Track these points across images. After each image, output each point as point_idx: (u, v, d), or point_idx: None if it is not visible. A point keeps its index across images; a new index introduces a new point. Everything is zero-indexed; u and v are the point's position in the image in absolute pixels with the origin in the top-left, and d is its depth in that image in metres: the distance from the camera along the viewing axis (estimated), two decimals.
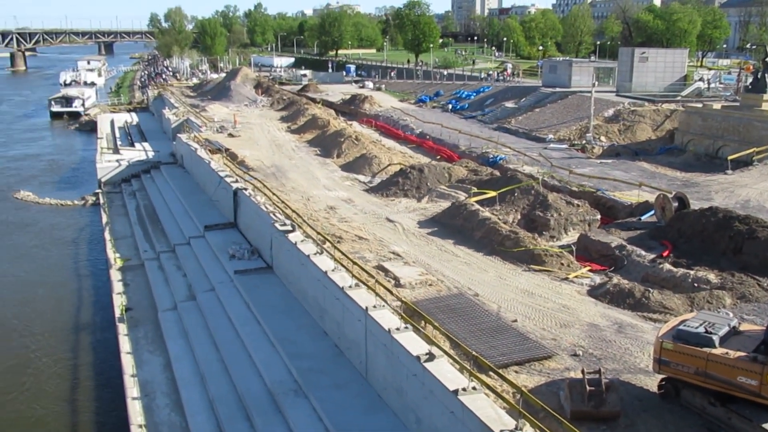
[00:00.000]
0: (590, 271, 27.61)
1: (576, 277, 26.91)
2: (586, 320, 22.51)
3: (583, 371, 17.18)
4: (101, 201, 54.05)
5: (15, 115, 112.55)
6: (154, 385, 25.37)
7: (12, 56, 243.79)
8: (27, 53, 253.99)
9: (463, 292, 24.91)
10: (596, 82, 61.26)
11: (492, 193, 36.51)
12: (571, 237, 32.05)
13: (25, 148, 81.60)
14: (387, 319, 20.67)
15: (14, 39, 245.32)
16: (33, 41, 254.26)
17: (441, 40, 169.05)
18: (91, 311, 35.18)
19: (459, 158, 50.19)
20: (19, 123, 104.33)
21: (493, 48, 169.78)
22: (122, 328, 30.11)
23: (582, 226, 33.14)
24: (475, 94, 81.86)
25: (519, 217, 34.28)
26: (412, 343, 19.01)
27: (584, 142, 53.38)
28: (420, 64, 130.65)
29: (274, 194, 35.94)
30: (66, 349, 31.05)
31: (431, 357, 18.05)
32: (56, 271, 41.18)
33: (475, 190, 38.01)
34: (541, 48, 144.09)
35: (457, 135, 58.21)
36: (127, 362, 26.93)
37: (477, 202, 35.05)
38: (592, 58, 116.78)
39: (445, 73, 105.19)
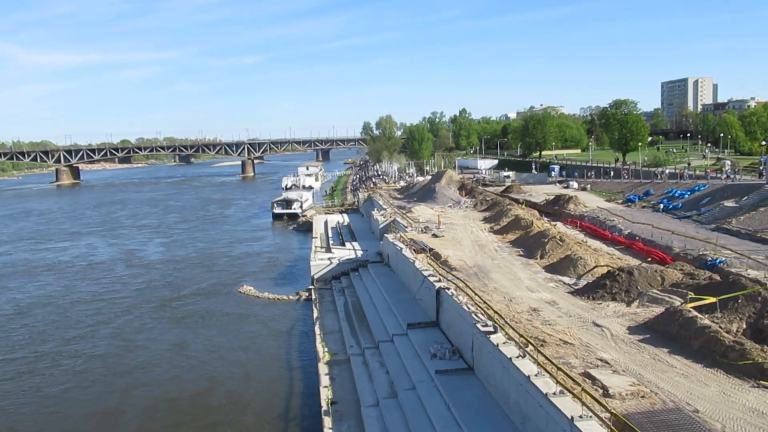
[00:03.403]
0: None
1: None
2: None
3: None
4: (313, 297, 57.27)
5: (240, 218, 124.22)
6: None
7: (243, 164, 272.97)
8: (255, 161, 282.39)
9: (680, 408, 22.82)
10: None
11: (711, 299, 33.66)
12: None
13: (248, 247, 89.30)
14: (595, 431, 19.40)
15: (245, 149, 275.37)
16: (261, 150, 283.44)
17: (650, 138, 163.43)
18: (299, 402, 36.74)
19: (672, 260, 47.20)
20: (244, 224, 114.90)
21: (708, 144, 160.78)
22: (327, 422, 31.00)
23: None
24: (689, 192, 77.40)
25: (744, 326, 31.15)
26: None
27: None
28: (627, 163, 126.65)
29: (476, 294, 35.89)
30: None
31: None
32: (271, 362, 43.81)
33: (692, 295, 35.28)
34: (764, 143, 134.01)
35: (670, 236, 55.02)
36: None
37: (694, 308, 32.46)
38: None
39: (667, 171, 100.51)
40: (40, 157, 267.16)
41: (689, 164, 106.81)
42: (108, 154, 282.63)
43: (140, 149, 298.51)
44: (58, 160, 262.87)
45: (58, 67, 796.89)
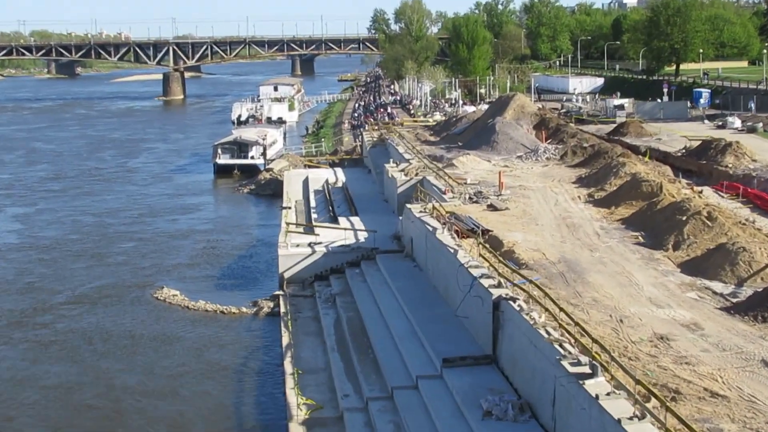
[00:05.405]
0: None
1: None
2: None
3: None
4: (282, 309, 57.23)
5: (157, 173, 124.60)
6: None
7: (166, 78, 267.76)
8: (186, 74, 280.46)
9: None
10: None
11: None
12: None
13: (171, 223, 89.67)
14: None
15: (170, 53, 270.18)
16: (197, 56, 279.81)
17: None
18: None
19: None
20: (165, 183, 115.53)
21: None
22: None
23: None
24: None
25: None
26: None
27: None
28: None
29: (561, 310, 35.86)
30: None
31: None
32: (210, 419, 43.82)
33: None
34: None
35: None
36: None
37: None
38: None
39: None
40: None
41: None
42: None
43: None
44: None
45: None
